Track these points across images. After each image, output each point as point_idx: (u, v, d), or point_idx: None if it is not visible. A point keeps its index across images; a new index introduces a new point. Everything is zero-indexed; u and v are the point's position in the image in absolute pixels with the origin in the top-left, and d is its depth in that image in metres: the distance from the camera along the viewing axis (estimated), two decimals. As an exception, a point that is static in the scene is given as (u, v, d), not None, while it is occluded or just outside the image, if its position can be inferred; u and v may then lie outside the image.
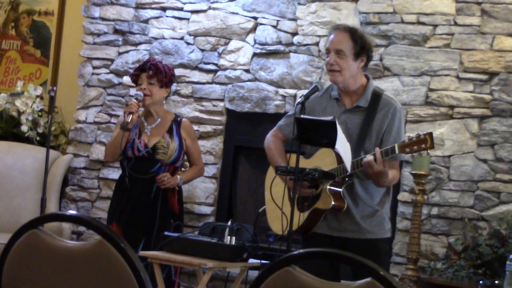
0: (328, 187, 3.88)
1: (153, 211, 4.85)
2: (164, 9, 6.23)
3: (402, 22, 5.45)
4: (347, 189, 3.92)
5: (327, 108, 4.03)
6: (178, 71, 5.86)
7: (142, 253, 4.37)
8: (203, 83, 6.05)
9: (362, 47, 3.97)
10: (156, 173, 4.90)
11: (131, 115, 4.77)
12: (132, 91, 6.13)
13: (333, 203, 3.87)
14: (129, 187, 4.91)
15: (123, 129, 4.77)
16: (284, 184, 3.92)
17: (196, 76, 6.07)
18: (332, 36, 4.00)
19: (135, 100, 4.85)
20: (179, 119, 5.08)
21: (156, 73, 4.93)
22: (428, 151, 3.74)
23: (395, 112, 3.96)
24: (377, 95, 3.99)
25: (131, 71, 6.13)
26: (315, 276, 1.95)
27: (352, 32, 3.99)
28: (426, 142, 3.70)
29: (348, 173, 3.82)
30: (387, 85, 5.37)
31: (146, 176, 4.88)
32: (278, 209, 3.88)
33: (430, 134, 3.71)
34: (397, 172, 3.99)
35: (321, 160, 3.96)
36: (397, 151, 3.73)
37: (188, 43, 6.12)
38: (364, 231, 3.96)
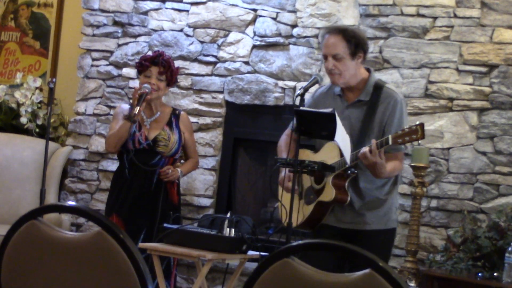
0: (332, 180, 3.92)
1: (154, 203, 4.86)
2: (163, 0, 6.22)
3: (402, 14, 5.44)
4: (351, 181, 3.95)
5: (331, 106, 4.05)
6: (177, 63, 5.83)
7: (142, 245, 4.37)
8: (203, 75, 6.05)
9: (356, 45, 3.99)
10: (156, 165, 4.90)
11: (138, 107, 4.76)
12: (132, 83, 6.13)
13: (334, 195, 3.90)
14: (129, 179, 4.91)
15: (129, 120, 4.78)
16: (292, 178, 3.98)
17: (195, 68, 6.06)
18: (326, 41, 4.02)
19: (147, 90, 4.83)
20: (177, 112, 5.09)
21: (167, 70, 4.93)
22: (419, 141, 3.77)
23: (396, 104, 3.97)
24: (378, 88, 4.01)
25: (131, 63, 6.15)
26: (320, 269, 1.94)
27: (344, 33, 4.01)
28: (417, 132, 3.73)
29: (347, 165, 3.85)
30: (386, 78, 5.36)
31: (147, 168, 4.89)
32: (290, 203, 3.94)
33: (422, 124, 3.74)
34: (399, 164, 4.00)
35: (327, 153, 4.00)
36: (390, 142, 3.76)
37: (187, 35, 6.11)
38: (369, 223, 4.01)
